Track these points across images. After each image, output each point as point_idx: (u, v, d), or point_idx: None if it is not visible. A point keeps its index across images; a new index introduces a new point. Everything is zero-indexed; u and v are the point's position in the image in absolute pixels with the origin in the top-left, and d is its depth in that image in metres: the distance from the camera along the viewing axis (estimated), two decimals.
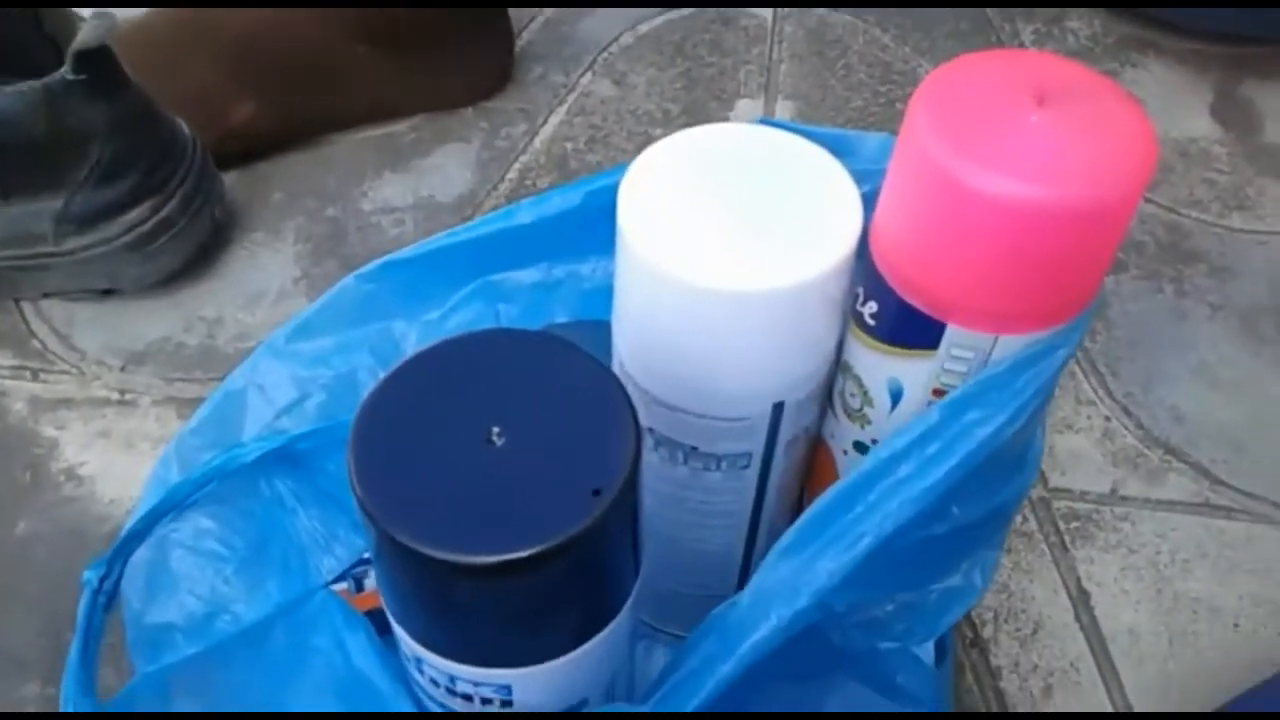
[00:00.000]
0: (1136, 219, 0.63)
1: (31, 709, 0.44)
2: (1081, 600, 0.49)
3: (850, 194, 0.33)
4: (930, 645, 0.40)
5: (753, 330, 0.33)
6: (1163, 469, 0.53)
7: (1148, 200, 0.64)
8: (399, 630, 0.31)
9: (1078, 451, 0.54)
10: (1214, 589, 0.49)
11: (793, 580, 0.31)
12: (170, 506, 0.38)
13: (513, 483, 0.27)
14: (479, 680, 0.30)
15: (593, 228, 0.41)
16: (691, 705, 0.30)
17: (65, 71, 0.49)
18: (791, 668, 0.38)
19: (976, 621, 0.48)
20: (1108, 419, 0.55)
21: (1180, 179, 0.65)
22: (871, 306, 0.33)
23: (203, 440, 0.40)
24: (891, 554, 0.32)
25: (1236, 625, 0.48)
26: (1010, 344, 0.31)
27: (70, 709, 0.33)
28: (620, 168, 0.35)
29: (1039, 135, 0.28)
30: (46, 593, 0.48)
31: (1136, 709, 0.46)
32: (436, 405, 0.28)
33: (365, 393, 0.29)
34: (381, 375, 0.29)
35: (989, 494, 0.34)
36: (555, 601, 0.28)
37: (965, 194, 0.28)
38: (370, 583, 0.41)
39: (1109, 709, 0.46)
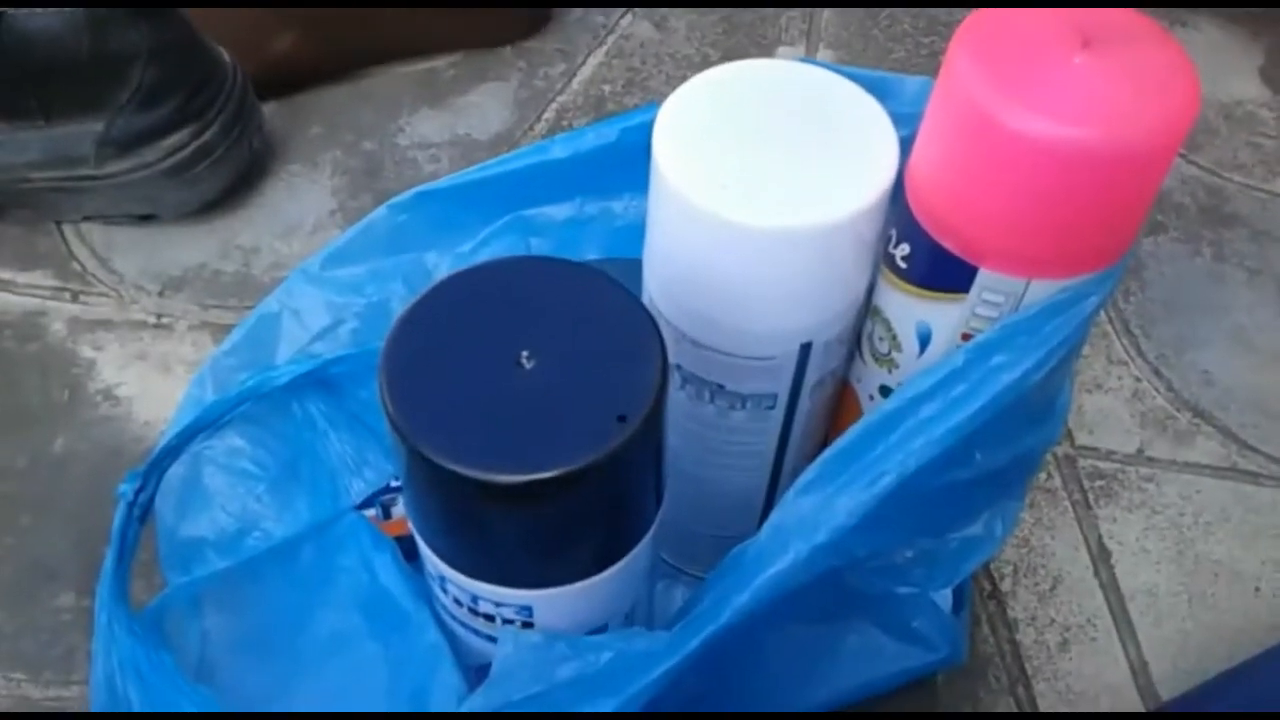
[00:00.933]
0: (1177, 180, 0.63)
1: (67, 619, 0.46)
2: (1102, 558, 0.49)
3: (887, 134, 0.33)
4: (948, 592, 0.41)
5: (783, 267, 0.33)
6: (1191, 431, 0.53)
7: (1189, 162, 0.63)
8: (424, 549, 0.31)
9: (1106, 411, 0.54)
10: (1236, 552, 0.49)
11: (812, 516, 0.31)
12: (205, 424, 0.39)
13: (540, 406, 0.27)
14: (501, 600, 0.31)
15: (627, 165, 0.41)
16: (708, 633, 0.30)
17: None
18: (809, 610, 0.39)
19: (995, 574, 0.48)
20: (1138, 380, 0.55)
21: (1224, 142, 0.64)
22: (904, 249, 0.33)
23: (237, 361, 0.41)
24: (913, 496, 0.32)
25: (1257, 590, 0.48)
26: (1042, 290, 0.31)
27: (105, 617, 0.34)
28: (656, 106, 0.35)
29: (1081, 77, 0.28)
30: (82, 508, 0.49)
31: (1152, 667, 0.46)
32: (468, 327, 0.28)
33: (396, 317, 0.29)
34: (414, 298, 0.29)
35: (1013, 441, 0.35)
36: (578, 525, 0.29)
37: (1004, 133, 0.28)
38: (398, 510, 0.41)
39: (1125, 665, 0.46)
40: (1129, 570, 0.49)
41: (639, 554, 0.32)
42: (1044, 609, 0.47)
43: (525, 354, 0.28)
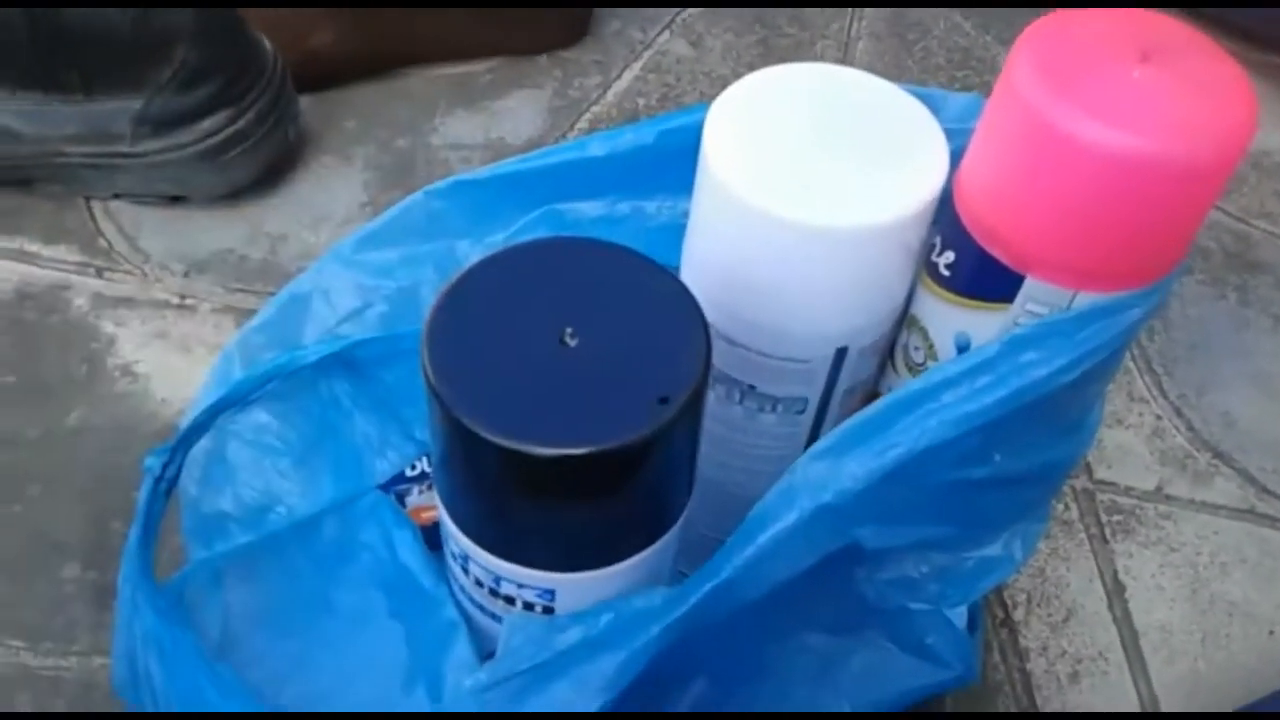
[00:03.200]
0: (1204, 225, 0.63)
1: (70, 590, 0.45)
2: (1116, 592, 0.49)
3: (938, 141, 0.33)
4: (963, 611, 0.40)
5: (827, 268, 0.32)
6: (1210, 472, 0.53)
7: (1217, 208, 0.64)
8: (450, 526, 0.31)
9: (1126, 447, 0.53)
10: (1251, 594, 0.49)
11: (820, 479, 0.31)
12: (233, 400, 0.38)
13: (582, 383, 0.27)
14: (524, 582, 0.30)
15: (663, 167, 0.41)
16: (708, 588, 0.30)
17: None
18: (822, 619, 0.38)
19: (1009, 602, 0.48)
20: (1159, 418, 0.54)
21: (1252, 190, 0.65)
22: (948, 256, 0.33)
23: (265, 339, 0.41)
24: (927, 484, 0.32)
25: (1272, 633, 0.48)
26: (1087, 303, 0.31)
27: (129, 590, 0.33)
28: (698, 108, 0.35)
29: (1141, 89, 0.28)
30: (93, 481, 0.49)
31: (1163, 704, 0.46)
32: (513, 302, 0.28)
33: (441, 288, 0.29)
34: (460, 270, 0.29)
35: (1035, 448, 0.34)
36: (610, 507, 0.29)
37: (1061, 140, 0.28)
38: (412, 500, 0.41)
39: (1135, 701, 0.46)
40: (1143, 606, 0.48)
41: (665, 545, 0.32)
42: (1056, 640, 0.47)
43: (569, 331, 0.28)
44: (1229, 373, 0.56)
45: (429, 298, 0.42)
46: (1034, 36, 0.29)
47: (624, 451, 0.26)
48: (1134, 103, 0.28)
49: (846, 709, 0.39)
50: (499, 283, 0.29)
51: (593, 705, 0.29)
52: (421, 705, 0.30)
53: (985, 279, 0.32)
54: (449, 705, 0.30)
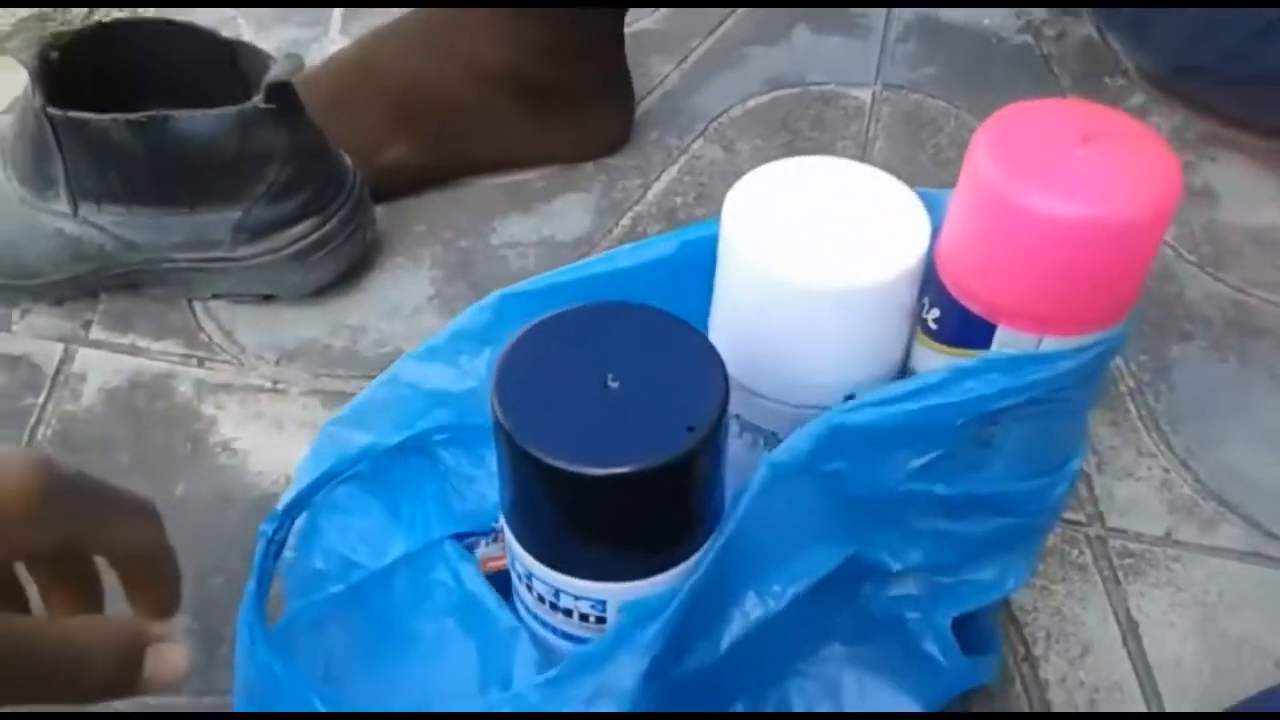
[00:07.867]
0: (1202, 295, 0.67)
1: (180, 639, 0.51)
2: (1130, 628, 0.52)
3: (920, 217, 0.39)
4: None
5: (833, 324, 0.38)
6: (1216, 519, 0.57)
7: (1217, 280, 0.68)
8: (516, 549, 0.37)
9: (1136, 498, 0.57)
10: (1259, 630, 0.52)
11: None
12: (330, 477, 0.44)
13: (623, 418, 0.33)
14: (579, 594, 0.36)
15: (685, 272, 0.45)
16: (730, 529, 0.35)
17: (257, 100, 0.57)
18: (839, 632, 0.43)
19: (1029, 639, 0.52)
20: (1166, 470, 0.59)
21: (1250, 262, 0.69)
22: (935, 313, 0.38)
23: (352, 428, 0.47)
24: (897, 495, 0.38)
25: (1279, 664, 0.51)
26: (1054, 346, 0.36)
27: (248, 633, 0.38)
28: (714, 223, 0.41)
29: (1083, 166, 0.34)
30: (197, 544, 0.54)
31: None
32: (564, 354, 0.34)
33: (505, 345, 0.35)
34: (519, 330, 0.35)
35: (979, 476, 0.39)
36: (651, 521, 0.34)
37: (1018, 212, 0.34)
38: (480, 550, 0.47)
39: None
40: (1156, 642, 0.52)
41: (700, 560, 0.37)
42: (1074, 672, 0.51)
43: (611, 376, 0.34)
44: (1233, 428, 0.61)
45: (484, 396, 0.47)
46: (991, 127, 0.36)
47: (659, 471, 0.32)
48: (1077, 177, 0.33)
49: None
50: (552, 339, 0.35)
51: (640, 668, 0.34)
52: (495, 701, 0.35)
53: (965, 330, 0.37)
54: (521, 693, 0.34)
